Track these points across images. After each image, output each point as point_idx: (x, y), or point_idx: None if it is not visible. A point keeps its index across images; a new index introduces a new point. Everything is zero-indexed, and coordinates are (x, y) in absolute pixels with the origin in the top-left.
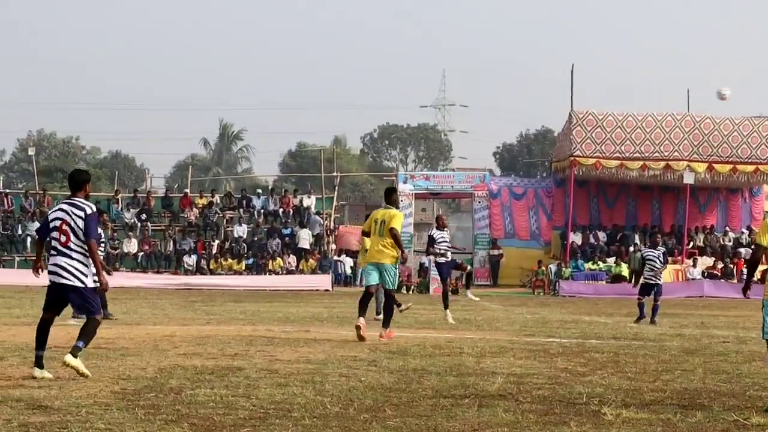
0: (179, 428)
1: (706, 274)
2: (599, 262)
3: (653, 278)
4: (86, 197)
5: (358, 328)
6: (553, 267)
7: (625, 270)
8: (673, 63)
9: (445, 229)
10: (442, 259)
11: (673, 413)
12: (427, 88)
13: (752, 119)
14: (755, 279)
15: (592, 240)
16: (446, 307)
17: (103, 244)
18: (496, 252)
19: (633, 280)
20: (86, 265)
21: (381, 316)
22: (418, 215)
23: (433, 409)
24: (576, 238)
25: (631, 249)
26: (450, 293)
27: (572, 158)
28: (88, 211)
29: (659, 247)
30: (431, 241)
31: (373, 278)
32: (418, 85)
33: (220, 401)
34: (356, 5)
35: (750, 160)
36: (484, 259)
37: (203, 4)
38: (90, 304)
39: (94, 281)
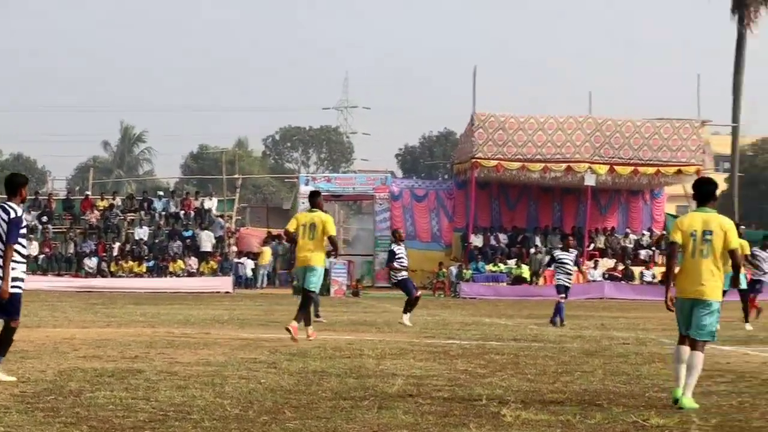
0: (78, 431)
1: (606, 275)
2: (500, 264)
3: (569, 281)
4: (22, 201)
5: (308, 337)
6: (453, 269)
7: (525, 272)
8: (576, 65)
9: (402, 243)
10: (401, 276)
11: (573, 414)
12: (330, 90)
13: (654, 121)
14: (656, 281)
15: (492, 242)
16: (405, 312)
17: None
18: None
19: (533, 278)
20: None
21: (319, 318)
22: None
23: (333, 411)
24: (477, 240)
25: (532, 251)
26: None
27: (474, 160)
28: (12, 215)
29: (571, 250)
30: (392, 255)
31: (303, 281)
32: (320, 87)
33: (119, 403)
34: (258, 7)
35: (651, 162)
36: (384, 261)
37: (100, 4)
38: (7, 309)
39: (15, 286)
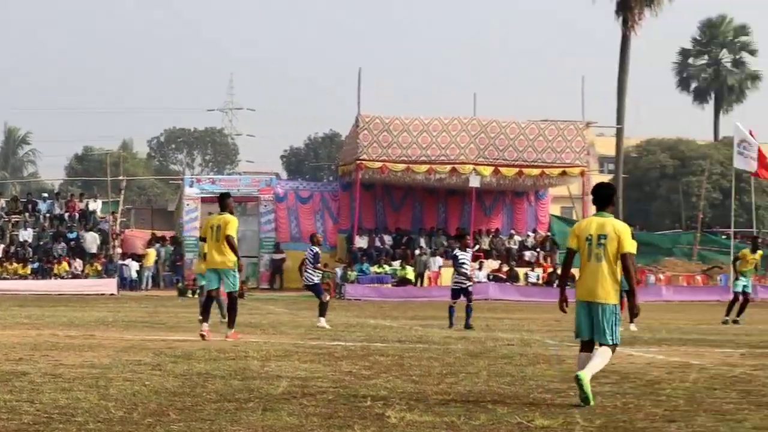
0: None
1: (491, 276)
2: (385, 266)
3: (466, 281)
4: None
5: (202, 336)
6: (338, 270)
7: (410, 273)
8: (461, 67)
9: (320, 245)
10: (316, 279)
11: (458, 416)
12: (215, 92)
13: (538, 123)
14: (541, 282)
15: (377, 243)
16: (322, 315)
17: None
18: (278, 256)
19: (418, 281)
20: None
21: (226, 319)
22: (205, 219)
23: (218, 413)
24: (361, 241)
25: (417, 252)
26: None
27: (358, 162)
28: None
29: (468, 249)
30: (316, 258)
31: (214, 283)
32: (205, 88)
33: (3, 406)
34: (144, 7)
35: (535, 164)
36: (268, 262)
37: None
38: None
39: None
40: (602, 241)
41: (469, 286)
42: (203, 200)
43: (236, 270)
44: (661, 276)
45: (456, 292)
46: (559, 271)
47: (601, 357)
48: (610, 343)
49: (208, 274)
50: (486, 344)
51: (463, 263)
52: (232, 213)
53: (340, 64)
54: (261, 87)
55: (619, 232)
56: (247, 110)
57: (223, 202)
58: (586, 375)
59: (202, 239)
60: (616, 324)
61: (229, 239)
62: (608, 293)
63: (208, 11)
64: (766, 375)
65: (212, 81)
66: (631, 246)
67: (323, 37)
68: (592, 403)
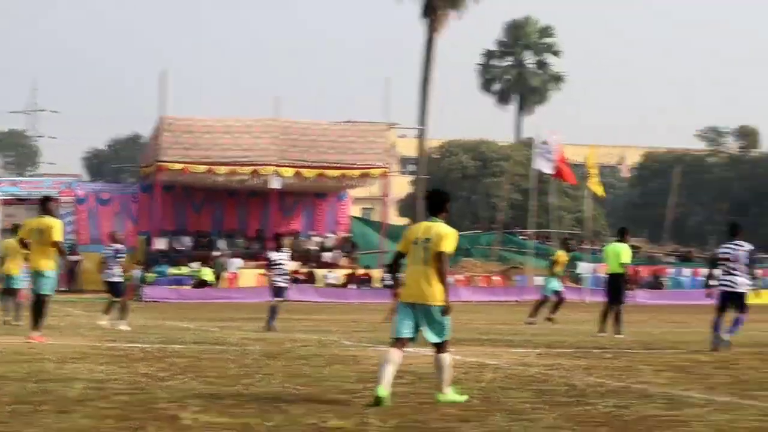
0: None
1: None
2: (183, 267)
3: (285, 282)
4: None
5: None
6: (137, 273)
7: (208, 274)
8: (260, 69)
9: (122, 243)
10: (117, 277)
11: (253, 417)
12: (18, 94)
13: (340, 125)
14: (340, 283)
15: (177, 245)
16: (123, 318)
17: None
18: (74, 258)
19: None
20: None
21: (19, 323)
22: (6, 221)
23: (12, 415)
24: (161, 243)
25: (216, 254)
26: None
27: (159, 163)
28: None
29: (284, 249)
30: (118, 254)
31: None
32: (8, 90)
33: None
34: None
35: (336, 165)
36: (62, 265)
37: None
38: None
39: None
40: (427, 244)
41: (285, 288)
42: (5, 202)
43: (54, 273)
44: (460, 276)
45: (278, 290)
46: (357, 272)
47: (446, 368)
48: (440, 340)
49: (32, 276)
50: (284, 345)
51: (279, 264)
52: (53, 216)
53: (144, 65)
54: (65, 89)
55: (442, 235)
56: (50, 112)
57: (45, 205)
58: (443, 396)
59: (23, 242)
60: (445, 322)
61: (58, 245)
62: (433, 293)
63: (11, 13)
64: (560, 374)
65: (15, 83)
66: (447, 246)
67: (127, 38)
68: (463, 399)
